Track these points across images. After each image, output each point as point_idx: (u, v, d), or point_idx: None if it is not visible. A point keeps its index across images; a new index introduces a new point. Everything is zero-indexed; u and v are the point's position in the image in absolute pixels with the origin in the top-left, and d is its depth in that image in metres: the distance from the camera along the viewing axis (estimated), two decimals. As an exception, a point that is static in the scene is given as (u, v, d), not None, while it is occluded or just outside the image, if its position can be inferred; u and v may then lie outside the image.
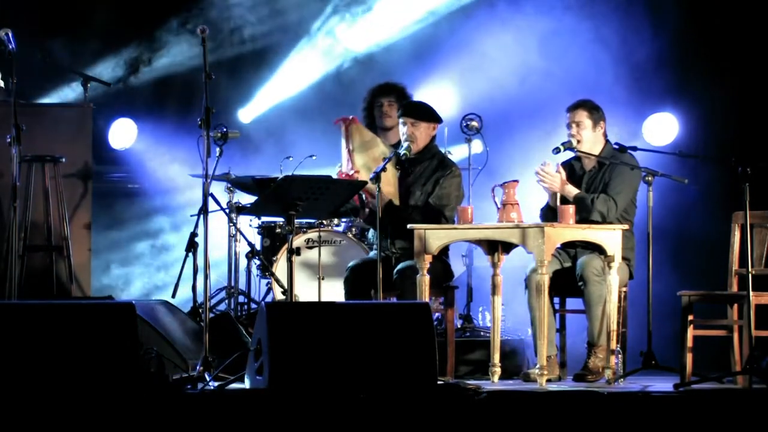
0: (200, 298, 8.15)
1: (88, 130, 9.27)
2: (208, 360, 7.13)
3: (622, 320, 8.04)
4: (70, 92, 10.86)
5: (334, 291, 8.94)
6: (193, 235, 7.84)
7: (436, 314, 8.71)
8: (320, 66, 11.19)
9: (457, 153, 9.99)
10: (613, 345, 7.81)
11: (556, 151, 8.09)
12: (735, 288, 7.99)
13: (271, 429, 6.45)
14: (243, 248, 9.75)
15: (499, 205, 7.92)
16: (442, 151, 8.82)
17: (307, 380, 6.67)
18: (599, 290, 7.88)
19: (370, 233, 8.78)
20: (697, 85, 10.13)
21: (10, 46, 8.00)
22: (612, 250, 7.83)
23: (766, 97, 9.88)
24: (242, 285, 9.91)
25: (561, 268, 8.14)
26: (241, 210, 9.31)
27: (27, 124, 8.10)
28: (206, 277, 7.39)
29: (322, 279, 9.17)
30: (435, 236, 7.91)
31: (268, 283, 9.82)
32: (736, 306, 7.86)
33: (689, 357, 7.77)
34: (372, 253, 8.53)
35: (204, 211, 7.46)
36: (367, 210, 8.47)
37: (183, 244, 7.88)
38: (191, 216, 8.69)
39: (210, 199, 7.61)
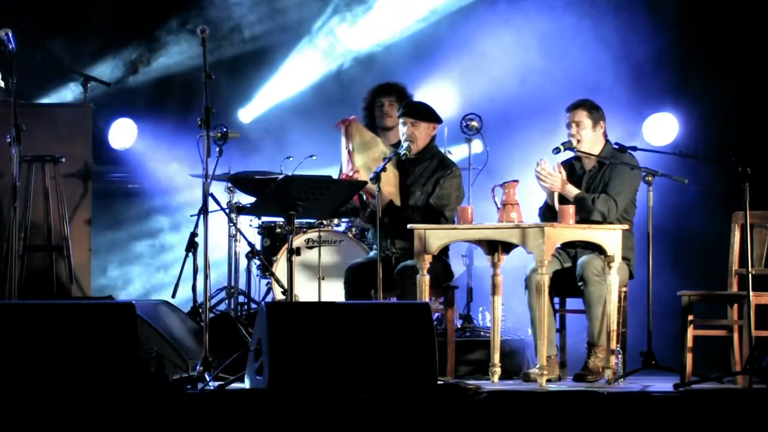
0: (200, 298, 8.15)
1: (88, 130, 9.27)
2: (208, 360, 7.13)
3: (622, 320, 8.04)
4: (70, 92, 10.86)
5: (334, 291, 8.94)
6: (193, 235, 7.84)
7: (436, 314, 8.71)
8: (320, 66, 11.19)
9: (457, 153, 9.99)
10: (613, 345, 7.81)
11: (556, 151, 8.09)
12: (735, 288, 7.99)
13: (271, 429, 6.45)
14: (243, 248, 9.75)
15: (499, 205, 7.92)
16: (442, 151, 8.82)
17: (307, 380, 6.67)
18: (599, 290, 7.88)
19: (370, 233, 8.78)
20: (697, 85, 10.12)
21: (10, 46, 8.00)
22: (612, 250, 7.83)
23: (766, 97, 9.88)
24: (242, 285, 9.91)
25: (561, 268, 8.14)
26: (241, 210, 9.31)
27: (27, 124, 8.10)
28: (206, 277, 7.39)
29: (322, 279, 9.17)
30: (435, 236, 7.91)
31: (268, 283, 9.82)
32: (736, 306, 7.86)
33: (689, 357, 7.77)
34: (372, 253, 8.53)
35: (204, 211, 7.46)
36: (368, 210, 8.47)
37: (183, 244, 7.88)
38: (191, 216, 8.69)
39: (210, 199, 7.61)
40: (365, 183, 8.05)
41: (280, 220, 9.46)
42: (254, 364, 6.88)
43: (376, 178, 7.96)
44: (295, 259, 7.75)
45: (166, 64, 11.21)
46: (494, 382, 7.97)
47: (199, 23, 9.42)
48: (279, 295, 8.64)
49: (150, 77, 11.25)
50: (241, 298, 9.90)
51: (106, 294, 9.81)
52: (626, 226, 8.01)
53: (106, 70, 11.01)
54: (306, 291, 9.22)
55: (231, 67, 11.17)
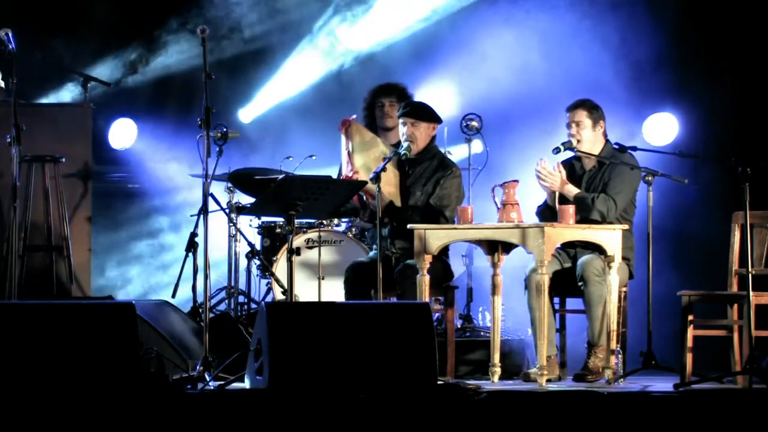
0: (200, 298, 8.15)
1: (88, 130, 9.27)
2: (208, 360, 7.13)
3: (622, 320, 8.04)
4: (70, 92, 10.86)
5: (334, 291, 8.94)
6: (193, 235, 7.83)
7: (436, 314, 8.71)
8: (321, 65, 11.19)
9: (457, 153, 9.99)
10: (613, 345, 7.81)
11: (556, 150, 8.09)
12: (735, 288, 7.99)
13: (271, 429, 6.45)
14: (243, 248, 9.74)
15: (499, 205, 7.92)
16: (442, 151, 8.82)
17: (307, 380, 6.67)
18: (599, 290, 7.88)
19: (370, 233, 8.78)
20: (697, 85, 10.13)
21: (10, 46, 8.00)
22: (612, 250, 7.83)
23: (766, 97, 9.88)
24: (242, 285, 9.91)
25: (561, 268, 8.14)
26: (241, 210, 9.30)
27: (27, 124, 8.10)
28: (206, 277, 7.39)
29: (322, 279, 9.17)
30: (435, 236, 7.91)
31: (268, 283, 9.82)
32: (736, 306, 7.86)
33: (689, 357, 7.77)
34: (372, 253, 8.52)
35: (204, 211, 7.46)
36: (367, 210, 8.47)
37: (183, 244, 7.88)
38: (191, 216, 8.69)
39: (210, 199, 7.61)
40: (365, 183, 8.04)
41: (280, 220, 9.46)
42: (254, 364, 6.88)
43: (376, 178, 7.96)
44: (295, 259, 7.75)
45: (166, 64, 11.21)
46: (494, 382, 7.96)
47: (199, 23, 9.43)
48: (279, 295, 8.64)
49: (150, 77, 11.25)
50: (241, 298, 9.89)
51: (106, 294, 9.81)
52: (626, 226, 8.01)
53: (106, 70, 11.01)
54: (306, 291, 9.22)
55: (231, 67, 11.17)
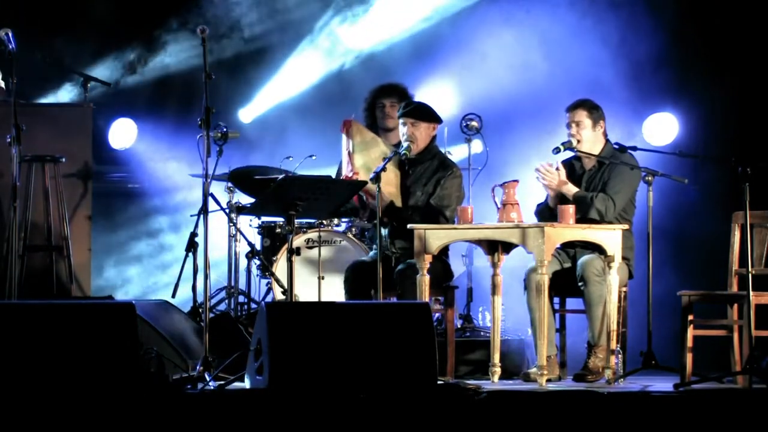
0: (200, 298, 8.15)
1: (88, 130, 9.27)
2: (208, 360, 7.13)
3: (622, 320, 8.04)
4: (70, 92, 10.86)
5: (334, 291, 8.94)
6: (193, 235, 7.83)
7: (436, 314, 8.71)
8: (321, 65, 11.19)
9: (457, 153, 9.99)
10: (613, 345, 7.81)
11: (556, 150, 8.09)
12: (735, 288, 7.99)
13: (271, 429, 6.45)
14: (243, 248, 9.74)
15: (499, 205, 7.93)
16: (443, 151, 8.82)
17: (307, 380, 6.67)
18: (599, 290, 7.88)
19: (369, 233, 8.78)
20: (697, 84, 10.12)
21: (10, 46, 8.00)
22: (612, 250, 7.83)
23: (766, 97, 9.88)
24: (242, 285, 9.91)
25: (561, 268, 8.14)
26: (241, 210, 9.30)
27: (27, 124, 8.10)
28: (206, 277, 7.39)
29: (322, 279, 9.16)
30: (435, 236, 7.91)
31: (268, 283, 9.82)
32: (736, 306, 7.86)
33: (689, 357, 7.77)
34: (372, 253, 8.52)
35: (204, 211, 7.46)
36: (367, 210, 8.47)
37: (183, 244, 7.88)
38: (191, 216, 8.69)
39: (210, 199, 7.61)
40: (365, 183, 8.04)
41: (280, 220, 9.46)
42: (254, 364, 6.88)
43: (376, 178, 7.95)
44: (295, 259, 7.75)
45: (166, 64, 11.21)
46: (494, 382, 7.96)
47: (199, 23, 9.43)
48: (279, 295, 8.64)
49: (150, 77, 11.25)
50: (241, 298, 9.89)
51: (106, 294, 9.81)
52: (626, 226, 8.01)
53: (105, 70, 11.01)
54: (306, 291, 9.21)
55: (231, 66, 11.16)
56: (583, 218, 7.96)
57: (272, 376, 6.65)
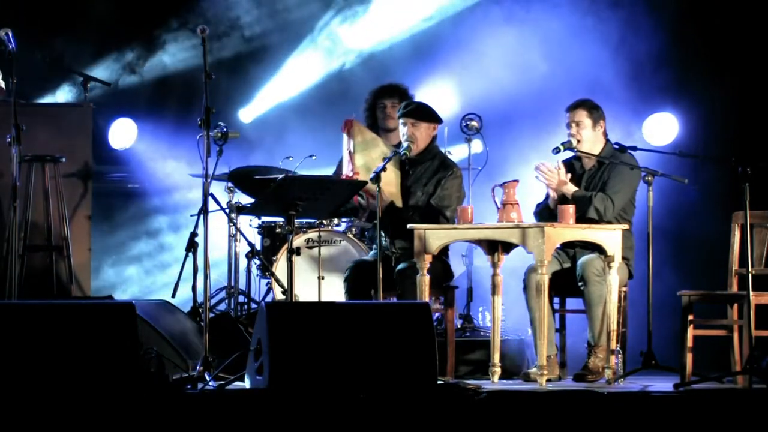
0: (200, 298, 8.15)
1: (88, 130, 9.27)
2: (208, 360, 7.13)
3: (622, 320, 8.04)
4: (69, 92, 10.86)
5: (334, 291, 8.94)
6: (193, 235, 7.83)
7: (436, 314, 8.71)
8: (321, 65, 11.19)
9: (457, 153, 9.99)
10: (613, 345, 7.81)
11: (556, 150, 8.09)
12: (735, 288, 7.99)
13: (271, 429, 6.45)
14: (243, 248, 9.74)
15: (499, 205, 7.93)
16: (443, 151, 8.82)
17: (307, 380, 6.67)
18: (599, 290, 7.88)
19: (369, 233, 8.78)
20: (697, 84, 10.12)
21: (10, 46, 8.00)
22: (612, 250, 7.83)
23: (766, 97, 9.88)
24: (242, 285, 9.91)
25: (560, 268, 8.14)
26: (241, 210, 9.30)
27: (27, 124, 8.10)
28: (206, 277, 7.39)
29: (322, 279, 9.17)
30: (435, 236, 7.91)
31: (268, 283, 9.82)
32: (736, 306, 7.86)
33: (689, 357, 7.77)
34: (372, 253, 8.52)
35: (204, 211, 7.46)
36: (367, 211, 8.47)
37: (183, 244, 7.88)
38: (191, 216, 8.69)
39: (210, 199, 7.61)
40: (365, 183, 8.04)
41: (280, 220, 9.46)
42: (254, 364, 6.88)
43: (376, 178, 7.95)
44: (295, 259, 7.76)
45: (166, 64, 11.21)
46: (494, 382, 7.96)
47: (199, 23, 9.44)
48: (279, 295, 8.64)
49: (150, 77, 11.25)
50: (241, 298, 9.89)
51: (106, 294, 9.81)
52: (626, 226, 8.01)
53: (105, 70, 11.01)
54: (306, 291, 9.21)
55: (231, 66, 11.16)
56: (581, 217, 7.95)
57: (272, 376, 6.65)
